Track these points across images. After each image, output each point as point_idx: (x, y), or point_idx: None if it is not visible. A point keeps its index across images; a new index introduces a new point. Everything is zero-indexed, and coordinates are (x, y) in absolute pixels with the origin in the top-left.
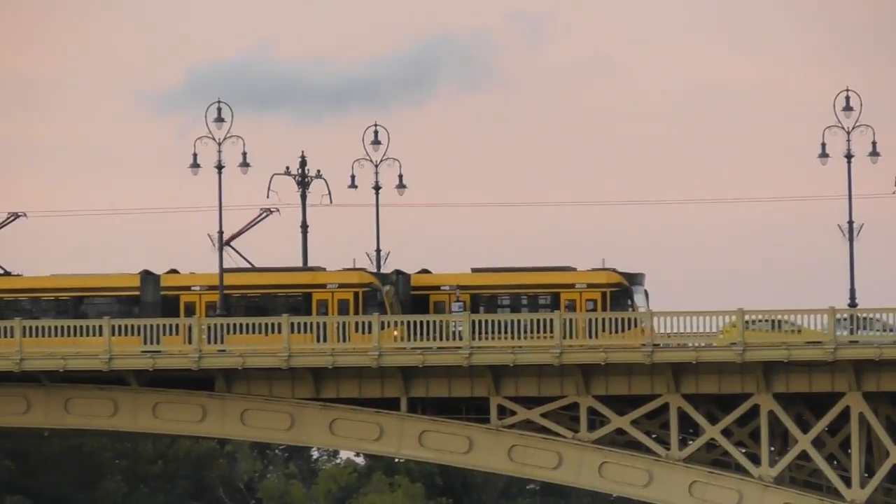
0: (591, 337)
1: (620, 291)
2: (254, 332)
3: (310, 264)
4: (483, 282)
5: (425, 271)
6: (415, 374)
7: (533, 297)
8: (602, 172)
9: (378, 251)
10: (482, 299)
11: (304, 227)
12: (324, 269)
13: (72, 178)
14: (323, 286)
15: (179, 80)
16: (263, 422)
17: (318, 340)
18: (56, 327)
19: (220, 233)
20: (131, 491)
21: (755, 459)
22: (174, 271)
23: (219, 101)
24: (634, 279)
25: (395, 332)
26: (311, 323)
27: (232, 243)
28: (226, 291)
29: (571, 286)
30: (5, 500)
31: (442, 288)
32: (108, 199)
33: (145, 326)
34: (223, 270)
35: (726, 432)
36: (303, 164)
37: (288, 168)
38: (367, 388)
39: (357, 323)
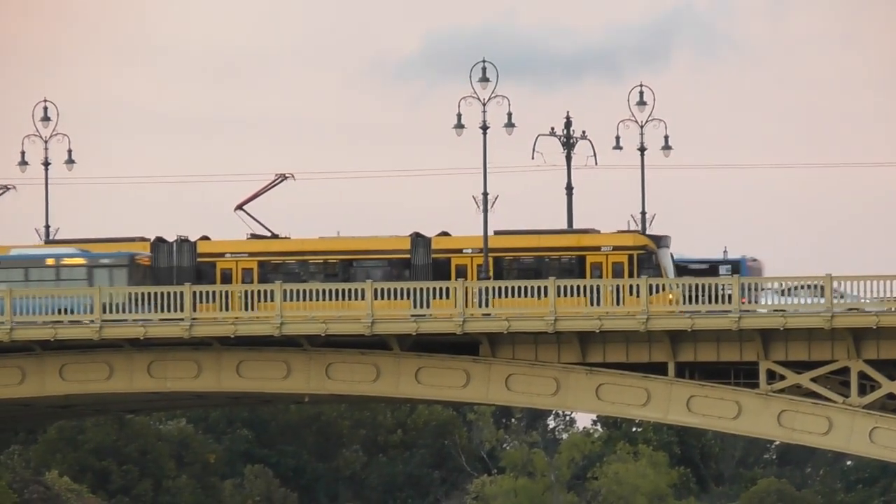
0: (617, 304)
1: (646, 254)
2: (522, 296)
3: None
4: (505, 244)
5: (445, 234)
6: (683, 338)
7: (556, 260)
8: (838, 137)
9: (643, 213)
10: (504, 262)
11: (570, 188)
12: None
13: (329, 142)
14: (597, 248)
15: (416, 47)
16: (528, 387)
17: (592, 304)
18: (318, 290)
19: (485, 195)
20: (370, 460)
21: None
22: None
23: (484, 61)
24: (660, 241)
25: (671, 296)
26: (584, 286)
27: (245, 208)
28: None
29: (597, 249)
30: (244, 469)
31: (464, 251)
32: (364, 162)
33: (413, 290)
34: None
35: None
36: (567, 124)
37: (553, 129)
38: (635, 352)
39: (631, 286)
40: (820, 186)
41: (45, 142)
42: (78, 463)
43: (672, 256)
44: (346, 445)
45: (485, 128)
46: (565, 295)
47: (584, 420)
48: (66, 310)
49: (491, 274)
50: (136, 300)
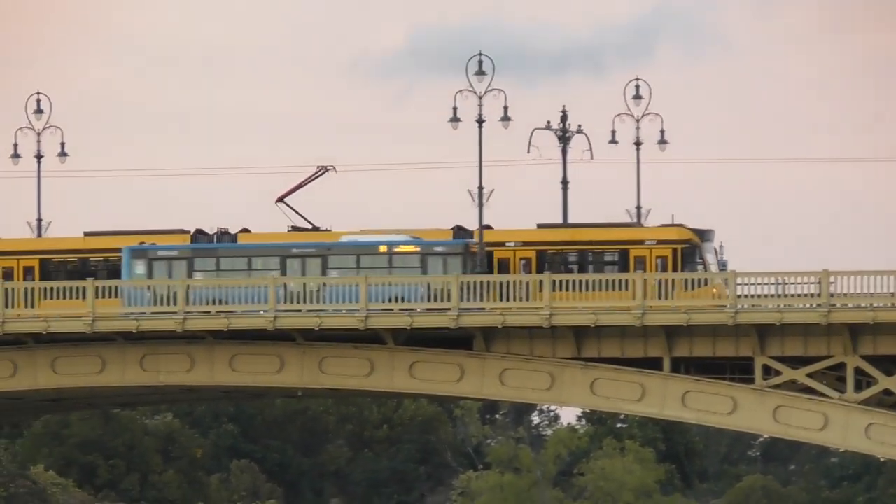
0: (661, 298)
1: (690, 248)
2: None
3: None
4: (548, 238)
5: (488, 227)
6: (679, 333)
7: (599, 254)
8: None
9: (639, 208)
10: (547, 256)
11: (565, 182)
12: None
13: (317, 138)
14: (641, 242)
15: (400, 43)
16: (522, 382)
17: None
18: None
19: (480, 188)
20: (355, 455)
21: None
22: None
23: (480, 54)
24: (704, 236)
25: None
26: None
27: (286, 200)
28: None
29: (641, 242)
30: (231, 464)
31: (507, 244)
32: (355, 157)
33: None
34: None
35: None
36: (563, 119)
37: (549, 122)
38: (630, 347)
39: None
40: (809, 182)
41: (38, 134)
42: (63, 457)
43: (716, 251)
44: (332, 440)
45: (481, 121)
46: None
47: (568, 416)
48: (398, 297)
49: (534, 268)
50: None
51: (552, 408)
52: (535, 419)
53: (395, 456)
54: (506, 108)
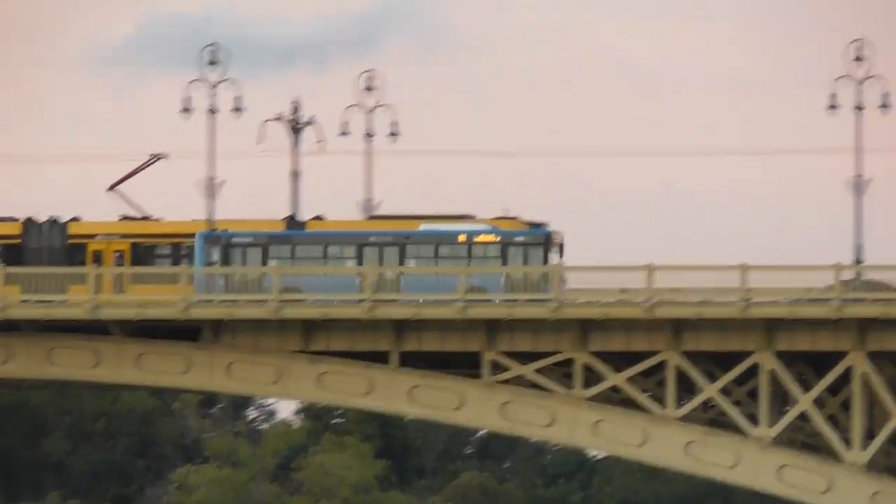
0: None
1: None
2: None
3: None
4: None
5: (318, 218)
6: (407, 327)
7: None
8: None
9: (370, 200)
10: None
11: (296, 174)
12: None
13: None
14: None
15: (128, 33)
16: (250, 374)
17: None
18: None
19: (211, 178)
20: (75, 448)
21: (754, 419)
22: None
23: (213, 44)
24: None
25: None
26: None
27: (118, 188)
28: None
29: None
30: None
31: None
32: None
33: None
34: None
35: (725, 391)
36: (295, 109)
37: (281, 114)
38: (358, 340)
39: None
40: (546, 175)
41: None
42: None
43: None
44: (51, 433)
45: (213, 111)
46: None
47: (285, 411)
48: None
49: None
50: None
51: (269, 402)
52: (253, 413)
53: (113, 449)
54: (238, 98)
